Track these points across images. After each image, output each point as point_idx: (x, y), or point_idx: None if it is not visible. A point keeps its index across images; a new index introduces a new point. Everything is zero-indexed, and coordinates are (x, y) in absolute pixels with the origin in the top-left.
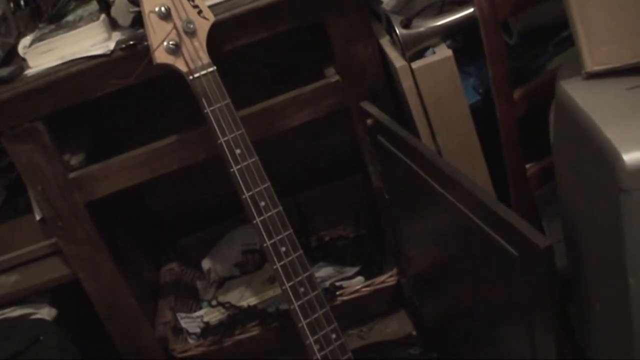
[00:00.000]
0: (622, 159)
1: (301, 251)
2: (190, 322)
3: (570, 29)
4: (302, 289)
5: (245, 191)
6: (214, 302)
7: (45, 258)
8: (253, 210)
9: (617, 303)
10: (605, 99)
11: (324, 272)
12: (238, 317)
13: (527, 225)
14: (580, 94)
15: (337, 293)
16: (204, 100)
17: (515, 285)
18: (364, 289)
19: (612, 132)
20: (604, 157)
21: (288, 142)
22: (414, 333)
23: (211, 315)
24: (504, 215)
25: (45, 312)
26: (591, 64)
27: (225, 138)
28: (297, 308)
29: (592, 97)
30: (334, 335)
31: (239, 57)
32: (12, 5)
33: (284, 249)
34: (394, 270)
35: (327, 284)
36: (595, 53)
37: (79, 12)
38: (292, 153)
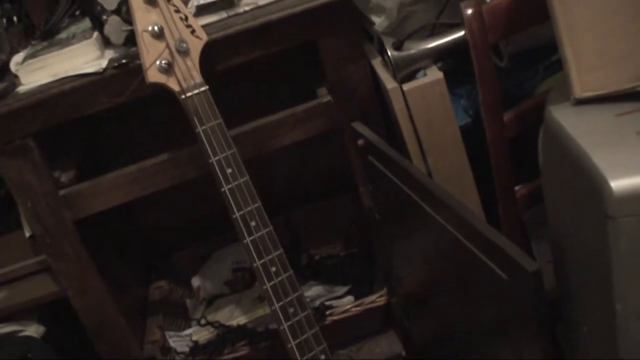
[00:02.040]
0: (609, 186)
1: (291, 271)
2: (179, 341)
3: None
4: (291, 310)
5: (236, 211)
6: (203, 321)
7: (34, 275)
8: (243, 229)
9: (604, 327)
10: (594, 125)
11: (313, 291)
12: (227, 336)
13: (516, 248)
14: (568, 119)
15: (327, 313)
16: (195, 119)
17: (503, 308)
18: (353, 309)
19: (599, 158)
20: (591, 183)
21: (281, 161)
22: (403, 353)
23: (200, 334)
24: (493, 238)
25: (34, 330)
26: (580, 90)
27: (217, 157)
28: (286, 329)
29: (580, 123)
30: (323, 357)
31: (232, 77)
32: (4, 21)
33: (274, 269)
34: (384, 290)
35: (317, 303)
36: (584, 79)
37: (72, 29)
38: (284, 171)
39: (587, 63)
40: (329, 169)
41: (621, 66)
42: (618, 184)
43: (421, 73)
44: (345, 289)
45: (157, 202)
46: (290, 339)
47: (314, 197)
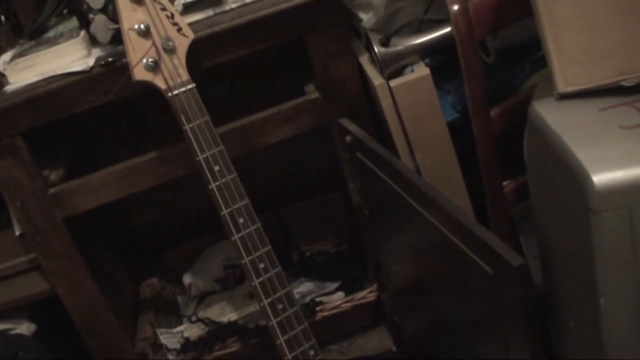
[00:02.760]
0: (591, 180)
1: (279, 268)
2: (170, 338)
3: None
4: (280, 306)
5: (224, 208)
6: (193, 318)
7: (24, 273)
8: (231, 226)
9: (589, 322)
10: (577, 119)
11: (304, 287)
12: (218, 332)
13: (501, 243)
14: (551, 114)
15: (317, 309)
16: (182, 117)
17: (490, 303)
18: (344, 305)
19: (582, 153)
20: (574, 177)
21: (272, 157)
22: (394, 349)
23: (191, 330)
24: (479, 234)
25: (25, 328)
26: (563, 85)
27: (204, 155)
28: (275, 325)
29: (563, 117)
30: (312, 352)
31: (219, 74)
32: None
33: (262, 265)
34: (374, 286)
35: (308, 299)
36: (567, 74)
37: (60, 28)
38: (275, 168)
39: (570, 58)
40: (320, 165)
41: (604, 61)
42: (600, 178)
43: (409, 69)
44: (335, 285)
45: (148, 200)
46: (279, 335)
47: (305, 193)
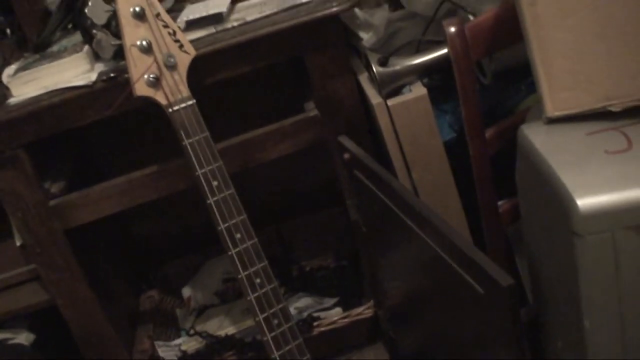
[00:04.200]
0: (575, 204)
1: (276, 283)
2: (168, 351)
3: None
4: (276, 321)
5: (221, 223)
6: (191, 331)
7: (24, 284)
8: (228, 241)
9: (576, 342)
10: (564, 143)
11: (302, 302)
12: (215, 346)
13: (491, 264)
14: (539, 138)
15: (315, 324)
16: (182, 132)
17: (481, 322)
18: (340, 321)
19: (567, 177)
20: (559, 201)
21: (273, 173)
22: None
23: (189, 344)
24: (470, 253)
25: (24, 337)
26: (552, 109)
27: (203, 170)
28: (270, 340)
29: (551, 141)
30: None
31: (220, 91)
32: None
33: (258, 280)
34: (371, 302)
35: (305, 314)
36: (556, 98)
37: (64, 42)
38: (276, 183)
39: (558, 83)
40: (321, 181)
41: (592, 86)
42: (585, 202)
43: (407, 89)
44: (333, 300)
45: (149, 213)
46: (274, 350)
47: (306, 209)
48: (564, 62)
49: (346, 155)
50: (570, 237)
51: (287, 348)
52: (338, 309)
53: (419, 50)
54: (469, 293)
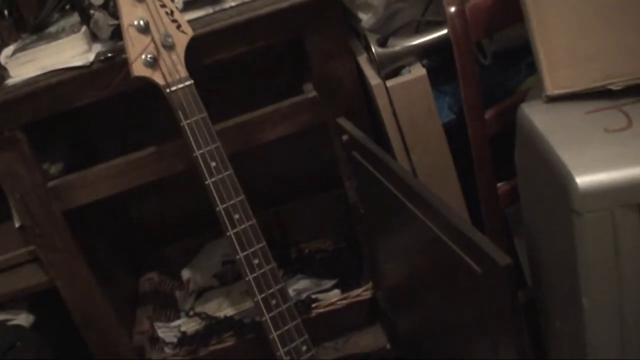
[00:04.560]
0: (574, 182)
1: (274, 264)
2: (168, 332)
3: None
4: (273, 301)
5: (219, 203)
6: (191, 313)
7: (23, 265)
8: (227, 222)
9: (574, 322)
10: (564, 122)
11: (301, 284)
12: (214, 327)
13: (489, 243)
14: (539, 117)
15: (313, 305)
16: (180, 113)
17: (479, 302)
18: (339, 302)
19: (567, 155)
20: (558, 179)
21: (272, 155)
22: (389, 347)
23: (188, 325)
24: (467, 233)
25: (23, 319)
26: (551, 88)
27: (201, 151)
28: (268, 320)
29: (550, 120)
30: (304, 347)
31: (218, 71)
32: None
33: (256, 261)
34: (369, 284)
35: (304, 296)
36: (555, 77)
37: (62, 23)
38: (275, 166)
39: (558, 61)
40: (320, 163)
41: (592, 64)
42: (584, 180)
43: (406, 70)
44: (332, 282)
45: (148, 195)
46: (272, 329)
47: (305, 191)
48: (564, 40)
49: (345, 137)
50: (569, 216)
51: (286, 328)
52: (337, 291)
53: (419, 30)
54: (466, 273)
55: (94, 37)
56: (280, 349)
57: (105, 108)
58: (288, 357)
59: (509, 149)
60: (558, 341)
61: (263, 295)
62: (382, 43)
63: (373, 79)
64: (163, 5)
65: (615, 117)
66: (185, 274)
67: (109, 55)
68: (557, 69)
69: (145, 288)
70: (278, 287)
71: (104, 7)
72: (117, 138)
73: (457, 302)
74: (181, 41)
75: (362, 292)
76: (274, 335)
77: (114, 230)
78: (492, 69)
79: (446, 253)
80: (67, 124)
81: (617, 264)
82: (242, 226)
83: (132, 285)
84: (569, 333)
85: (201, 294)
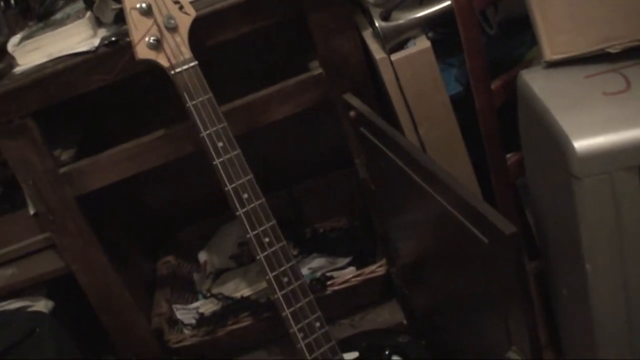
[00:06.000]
0: (572, 146)
1: (284, 242)
2: (186, 314)
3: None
4: (285, 279)
5: (227, 183)
6: (208, 294)
7: (40, 251)
8: (236, 202)
9: (579, 288)
10: (562, 87)
11: (316, 263)
12: (231, 307)
13: (495, 213)
14: (538, 82)
15: (328, 283)
16: (185, 94)
17: (487, 273)
18: (353, 279)
19: (565, 119)
20: (557, 144)
21: (285, 135)
22: (405, 322)
23: (206, 306)
24: (473, 203)
25: (42, 305)
26: (550, 53)
27: (207, 131)
28: (280, 297)
29: (549, 85)
30: (317, 324)
31: (224, 52)
32: (2, 4)
33: (267, 240)
34: (383, 261)
35: (319, 274)
36: (553, 42)
37: (67, 10)
38: (288, 145)
39: (556, 26)
40: (333, 142)
41: (589, 28)
42: (581, 144)
43: (411, 43)
44: (347, 260)
45: (163, 180)
46: (285, 307)
47: (318, 170)
48: (561, 5)
49: (352, 113)
50: (569, 181)
51: (298, 305)
52: (351, 268)
53: (423, 2)
54: (475, 244)
55: (98, 22)
56: (294, 326)
57: (114, 93)
58: (301, 334)
59: (516, 120)
60: (566, 309)
61: (275, 273)
62: (386, 16)
63: (378, 53)
64: None
65: (614, 80)
66: (202, 256)
67: (113, 39)
68: (555, 34)
69: (163, 271)
70: (289, 264)
71: None
72: (127, 122)
73: (467, 275)
74: (184, 22)
75: (377, 269)
76: (287, 312)
77: (129, 215)
78: (498, 39)
79: (455, 226)
80: (78, 110)
81: (618, 228)
82: (252, 205)
83: (150, 269)
84: (575, 300)
85: (218, 275)
